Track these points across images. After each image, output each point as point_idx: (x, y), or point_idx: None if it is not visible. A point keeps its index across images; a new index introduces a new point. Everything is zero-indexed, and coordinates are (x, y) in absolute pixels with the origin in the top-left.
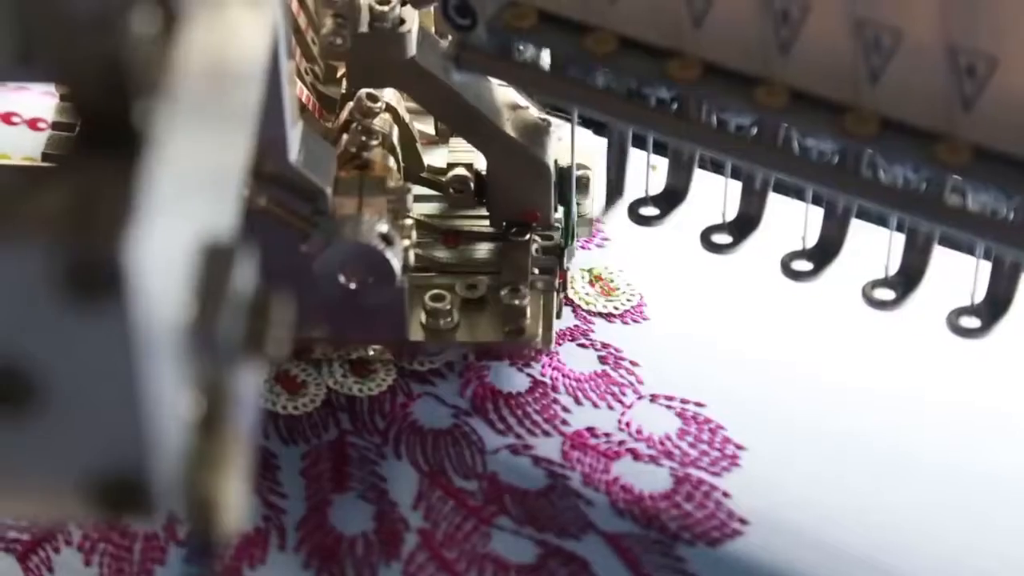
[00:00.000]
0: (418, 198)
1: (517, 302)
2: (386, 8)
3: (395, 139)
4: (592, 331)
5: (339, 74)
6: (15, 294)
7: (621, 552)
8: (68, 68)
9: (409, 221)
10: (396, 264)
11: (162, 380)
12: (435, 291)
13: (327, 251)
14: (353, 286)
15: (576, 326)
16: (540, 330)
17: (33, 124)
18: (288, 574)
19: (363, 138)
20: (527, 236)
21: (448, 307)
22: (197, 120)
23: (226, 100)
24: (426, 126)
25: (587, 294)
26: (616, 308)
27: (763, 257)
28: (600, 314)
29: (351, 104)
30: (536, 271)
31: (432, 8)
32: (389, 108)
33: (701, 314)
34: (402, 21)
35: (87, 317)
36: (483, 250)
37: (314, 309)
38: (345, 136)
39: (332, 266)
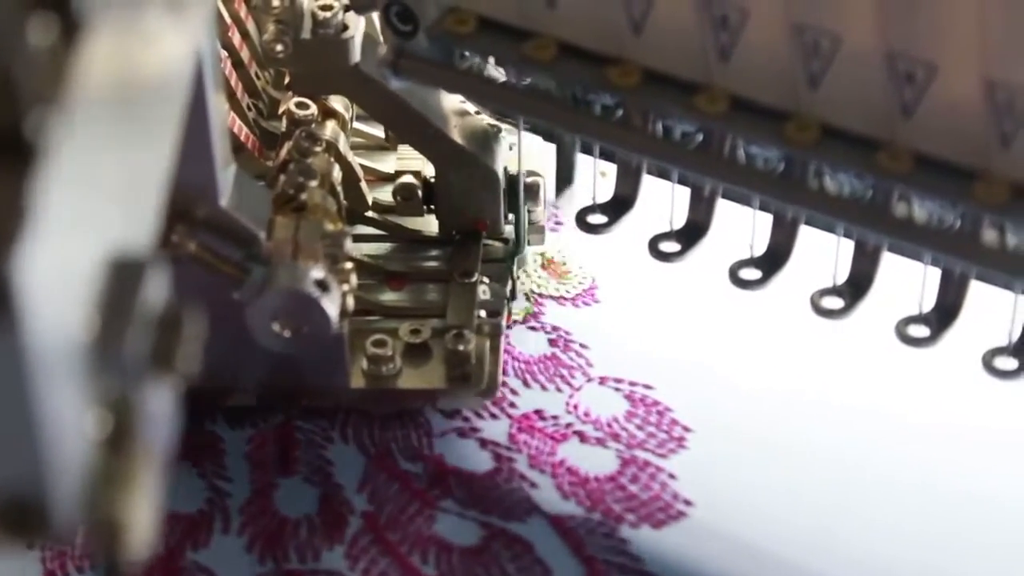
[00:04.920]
0: (363, 238)
1: (462, 347)
2: (328, 14)
3: (336, 178)
4: (543, 314)
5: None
6: None
7: (565, 534)
8: None
9: (349, 264)
10: (332, 312)
11: (62, 398)
12: (377, 336)
13: (260, 299)
14: (287, 335)
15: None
16: (486, 376)
17: None
18: (231, 557)
19: (300, 178)
20: (474, 279)
21: (390, 353)
22: (104, 131)
23: (139, 110)
24: (376, 130)
25: (539, 277)
26: (568, 291)
27: (713, 245)
28: (551, 297)
29: (289, 143)
30: (482, 314)
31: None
32: (330, 146)
33: (652, 298)
34: (345, 27)
35: None
36: (429, 292)
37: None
38: (282, 177)
39: (265, 314)
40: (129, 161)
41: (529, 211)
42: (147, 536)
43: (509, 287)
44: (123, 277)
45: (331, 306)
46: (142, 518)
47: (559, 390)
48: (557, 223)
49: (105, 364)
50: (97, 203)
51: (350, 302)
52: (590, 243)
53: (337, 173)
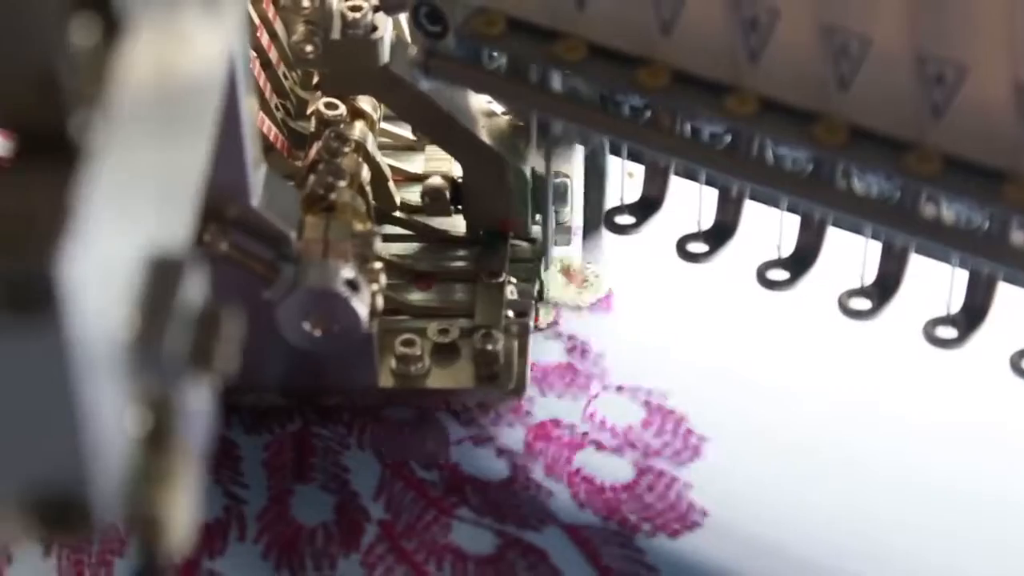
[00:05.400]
0: (390, 238)
1: (490, 347)
2: (358, 15)
3: (365, 178)
4: (559, 322)
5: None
6: None
7: (580, 543)
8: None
9: (378, 264)
10: (362, 311)
11: (103, 396)
12: (406, 336)
13: (290, 298)
14: (318, 334)
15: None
16: (514, 376)
17: None
18: (247, 565)
19: (330, 179)
20: (502, 279)
21: (419, 352)
22: (144, 131)
23: (177, 111)
24: (404, 130)
25: (556, 285)
26: (584, 299)
27: (732, 252)
28: (568, 305)
29: (319, 144)
30: (510, 314)
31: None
32: (359, 147)
33: (668, 306)
34: (374, 28)
35: (22, 333)
36: (457, 292)
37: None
38: (312, 177)
39: (296, 313)
40: (167, 161)
41: (556, 212)
42: (186, 534)
43: (536, 287)
44: (162, 276)
45: (361, 305)
46: (181, 516)
47: (575, 398)
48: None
49: (145, 362)
50: (137, 202)
51: (379, 302)
52: (606, 251)
53: (366, 173)
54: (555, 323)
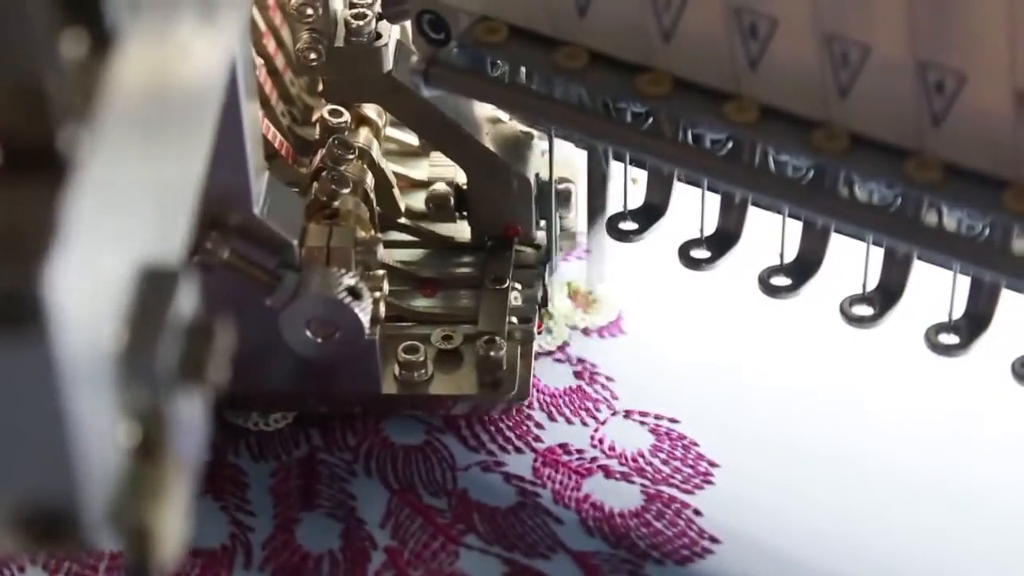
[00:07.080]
0: (395, 244)
1: (493, 354)
2: (362, 22)
3: (369, 185)
4: (568, 345)
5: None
6: None
7: (589, 571)
8: None
9: (381, 271)
10: (363, 319)
11: (91, 409)
12: (409, 343)
13: (292, 306)
14: (320, 341)
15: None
16: (517, 383)
17: None
18: None
19: (333, 186)
20: (506, 285)
21: (422, 359)
22: (136, 143)
23: (171, 121)
24: (409, 137)
25: (566, 308)
26: (594, 322)
27: (742, 273)
28: (578, 328)
29: (323, 151)
30: (514, 320)
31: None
32: (363, 153)
33: (679, 329)
34: (378, 36)
35: (8, 348)
36: (461, 298)
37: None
38: (315, 184)
39: (298, 321)
40: (161, 172)
41: (561, 217)
42: (176, 544)
43: (540, 294)
44: (154, 288)
45: (363, 313)
46: (171, 527)
47: (584, 424)
48: (585, 251)
49: (136, 375)
50: (128, 214)
51: (382, 309)
52: (616, 273)
53: (370, 180)
54: (564, 346)
